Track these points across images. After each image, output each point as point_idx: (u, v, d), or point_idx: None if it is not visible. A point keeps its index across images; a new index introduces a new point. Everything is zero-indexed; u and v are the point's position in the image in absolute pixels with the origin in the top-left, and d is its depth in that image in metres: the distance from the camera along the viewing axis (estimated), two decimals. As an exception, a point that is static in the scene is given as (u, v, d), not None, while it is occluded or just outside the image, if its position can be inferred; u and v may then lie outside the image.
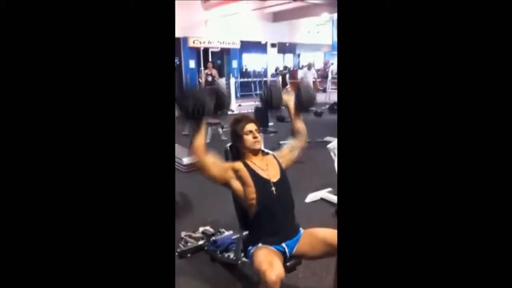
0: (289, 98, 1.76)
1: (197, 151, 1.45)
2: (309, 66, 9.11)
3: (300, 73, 9.04)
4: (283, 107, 1.81)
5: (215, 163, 1.49)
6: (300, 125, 1.74)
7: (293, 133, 1.75)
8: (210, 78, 7.66)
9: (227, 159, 1.72)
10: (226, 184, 1.54)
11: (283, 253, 1.48)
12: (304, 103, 1.72)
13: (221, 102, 1.54)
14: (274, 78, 9.96)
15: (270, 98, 1.73)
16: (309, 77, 8.80)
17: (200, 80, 8.22)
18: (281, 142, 3.41)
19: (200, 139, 1.46)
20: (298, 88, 1.75)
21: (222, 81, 7.37)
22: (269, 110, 1.82)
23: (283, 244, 1.50)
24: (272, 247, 1.46)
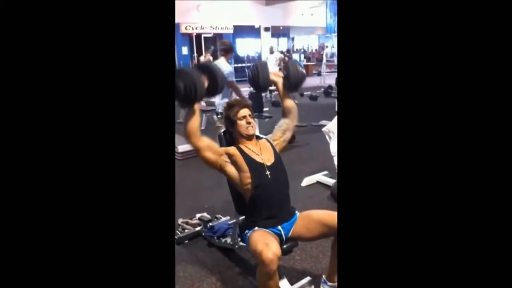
0: (277, 77, 1.72)
1: (190, 135, 1.44)
2: (271, 50, 8.75)
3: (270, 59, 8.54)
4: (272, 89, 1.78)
5: (209, 146, 1.49)
6: (290, 103, 1.72)
7: (283, 112, 1.74)
8: None
9: (221, 145, 1.71)
10: (221, 169, 1.54)
11: (280, 235, 1.49)
12: (293, 82, 1.68)
13: (214, 81, 1.46)
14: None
15: (257, 77, 1.66)
16: (271, 61, 8.38)
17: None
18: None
19: (194, 122, 1.44)
20: (287, 66, 1.70)
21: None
22: (257, 90, 1.77)
23: (279, 227, 1.50)
24: (268, 230, 1.47)
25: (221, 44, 3.57)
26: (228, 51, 3.41)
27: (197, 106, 1.45)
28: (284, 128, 1.70)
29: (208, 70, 1.47)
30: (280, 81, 1.71)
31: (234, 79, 3.39)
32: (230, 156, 1.53)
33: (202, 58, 7.68)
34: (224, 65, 3.25)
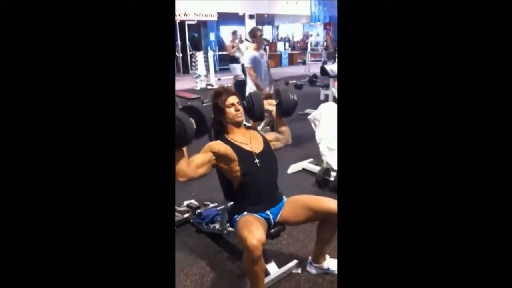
0: (271, 106, 1.77)
1: (179, 175, 1.39)
2: (240, 39, 8.04)
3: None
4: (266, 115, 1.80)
5: (197, 165, 1.45)
6: (284, 129, 1.80)
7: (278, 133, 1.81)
8: (237, 54, 6.08)
9: (209, 134, 1.73)
10: (213, 167, 1.55)
11: (268, 220, 1.54)
12: (286, 108, 1.75)
13: (202, 125, 1.45)
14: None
15: (252, 108, 1.69)
16: (242, 48, 8.00)
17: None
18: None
19: (181, 165, 1.38)
20: (279, 94, 1.75)
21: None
22: (253, 120, 1.78)
23: (268, 212, 1.55)
24: (257, 215, 1.51)
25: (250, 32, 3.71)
26: (253, 37, 3.53)
27: (185, 149, 1.41)
28: (277, 136, 1.77)
29: (195, 111, 1.46)
30: (273, 109, 1.77)
31: (250, 65, 3.45)
32: (216, 153, 1.52)
33: (228, 46, 6.69)
34: (248, 53, 3.49)
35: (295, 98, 1.76)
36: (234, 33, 6.78)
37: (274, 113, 1.77)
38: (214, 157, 1.52)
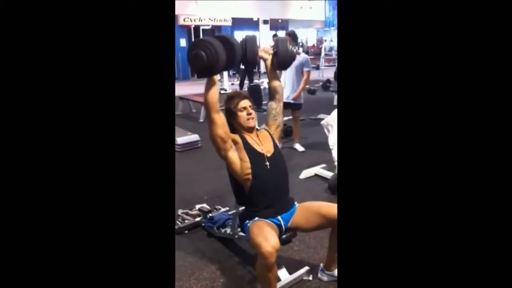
0: (266, 54, 1.70)
1: (211, 106, 1.45)
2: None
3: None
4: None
5: (224, 124, 1.51)
6: (276, 83, 1.73)
7: (270, 93, 1.74)
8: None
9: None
10: (225, 153, 1.54)
11: (279, 225, 1.53)
12: (282, 60, 1.67)
13: (232, 54, 1.44)
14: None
15: (244, 49, 1.60)
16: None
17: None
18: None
19: (214, 94, 1.45)
20: (277, 44, 1.68)
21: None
22: (245, 65, 1.67)
23: (279, 217, 1.54)
24: (268, 220, 1.50)
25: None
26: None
27: (215, 77, 1.45)
28: (274, 114, 1.72)
29: (227, 41, 1.45)
30: (268, 58, 1.70)
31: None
32: (235, 143, 1.56)
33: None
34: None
35: (293, 51, 1.68)
36: (275, 36, 6.89)
37: (268, 62, 1.70)
38: (232, 144, 1.54)
